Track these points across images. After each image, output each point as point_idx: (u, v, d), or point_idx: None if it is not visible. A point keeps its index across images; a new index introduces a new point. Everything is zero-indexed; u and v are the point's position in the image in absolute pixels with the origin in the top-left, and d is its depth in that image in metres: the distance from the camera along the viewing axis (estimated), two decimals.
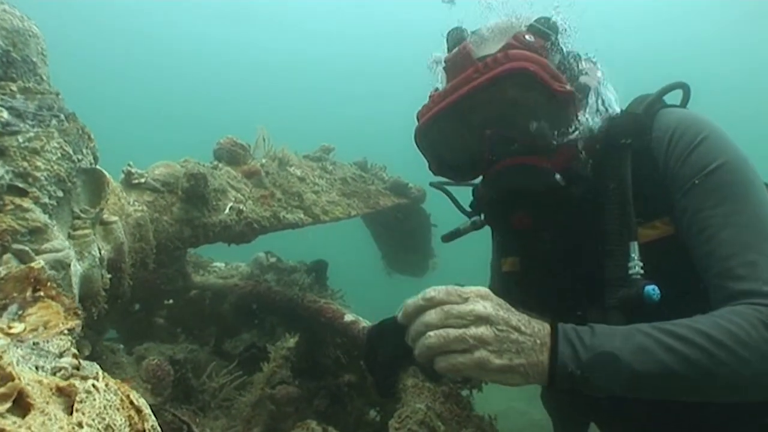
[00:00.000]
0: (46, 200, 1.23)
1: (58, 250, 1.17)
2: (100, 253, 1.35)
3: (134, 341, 2.25)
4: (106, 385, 0.55)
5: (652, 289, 1.11)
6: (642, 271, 1.16)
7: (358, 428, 2.41)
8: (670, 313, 1.06)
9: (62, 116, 1.35)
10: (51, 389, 0.51)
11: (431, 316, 1.03)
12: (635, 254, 1.18)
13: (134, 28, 26.46)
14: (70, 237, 1.31)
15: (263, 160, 2.53)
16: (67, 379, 0.58)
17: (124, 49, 28.16)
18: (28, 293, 0.78)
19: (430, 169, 1.50)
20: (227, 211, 2.05)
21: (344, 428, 2.28)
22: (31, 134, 1.23)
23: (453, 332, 0.99)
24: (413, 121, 1.44)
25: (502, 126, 1.29)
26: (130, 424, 0.52)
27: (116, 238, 1.47)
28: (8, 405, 0.45)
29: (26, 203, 1.18)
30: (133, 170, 1.73)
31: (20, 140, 1.21)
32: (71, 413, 0.50)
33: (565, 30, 1.36)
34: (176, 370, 1.88)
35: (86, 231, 1.33)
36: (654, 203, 1.24)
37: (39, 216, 1.18)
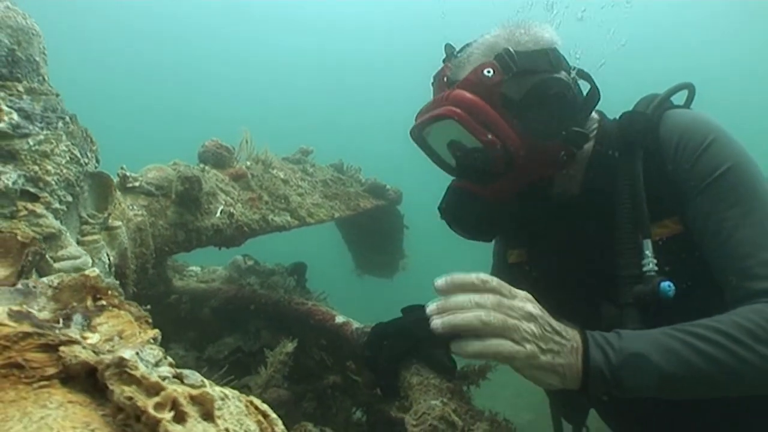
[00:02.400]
0: (57, 205, 1.19)
1: (75, 257, 1.13)
2: (109, 259, 1.32)
3: None
4: (230, 391, 0.56)
5: (667, 286, 1.17)
6: (656, 268, 1.22)
7: (347, 429, 2.42)
8: (684, 308, 1.13)
9: (67, 118, 1.30)
10: (185, 398, 0.51)
11: (486, 298, 1.05)
12: (649, 251, 1.23)
13: (112, 23, 25.31)
14: (79, 243, 1.27)
15: (248, 163, 2.50)
16: None
17: (95, 45, 26.86)
18: (89, 302, 0.76)
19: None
20: (218, 214, 2.02)
21: (335, 430, 2.28)
22: (41, 137, 1.19)
23: (510, 321, 1.03)
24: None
25: (457, 149, 1.41)
26: (261, 429, 0.53)
27: (120, 243, 1.43)
28: (171, 414, 0.45)
29: (39, 209, 1.13)
30: (127, 174, 1.68)
31: (30, 143, 1.16)
32: (211, 422, 0.51)
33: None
34: None
35: (95, 237, 1.29)
36: (664, 202, 1.29)
37: (52, 222, 1.14)
